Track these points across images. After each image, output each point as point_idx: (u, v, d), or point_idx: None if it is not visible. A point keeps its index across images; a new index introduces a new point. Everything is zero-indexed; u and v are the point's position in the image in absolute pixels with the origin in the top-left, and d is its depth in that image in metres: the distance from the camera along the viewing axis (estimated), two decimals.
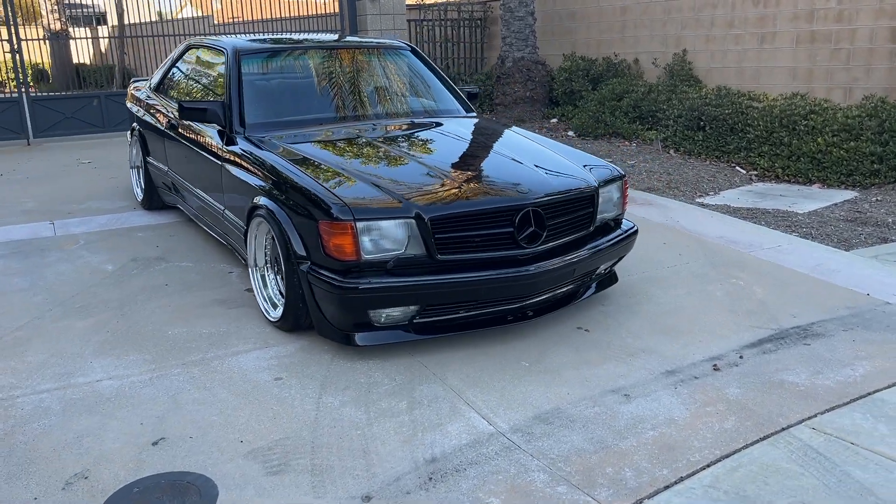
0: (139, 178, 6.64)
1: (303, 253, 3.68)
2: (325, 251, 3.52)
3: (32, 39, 10.56)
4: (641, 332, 4.09)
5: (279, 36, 6.01)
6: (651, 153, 9.29)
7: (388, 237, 3.53)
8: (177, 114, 5.26)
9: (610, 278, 4.48)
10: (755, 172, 8.43)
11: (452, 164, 4.04)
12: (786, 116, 8.48)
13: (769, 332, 4.09)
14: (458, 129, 4.79)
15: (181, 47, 6.07)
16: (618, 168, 4.38)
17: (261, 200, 4.05)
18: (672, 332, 4.09)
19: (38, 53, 13.06)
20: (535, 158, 4.27)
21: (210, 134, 4.82)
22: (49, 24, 16.84)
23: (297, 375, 3.56)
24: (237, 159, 4.35)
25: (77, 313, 4.30)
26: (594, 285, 4.33)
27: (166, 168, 5.78)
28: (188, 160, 5.24)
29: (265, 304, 4.10)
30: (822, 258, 5.29)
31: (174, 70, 6.06)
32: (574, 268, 3.89)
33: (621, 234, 4.23)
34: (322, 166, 3.92)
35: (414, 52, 5.70)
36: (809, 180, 8.01)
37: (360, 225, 3.46)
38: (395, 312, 3.62)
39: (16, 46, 10.08)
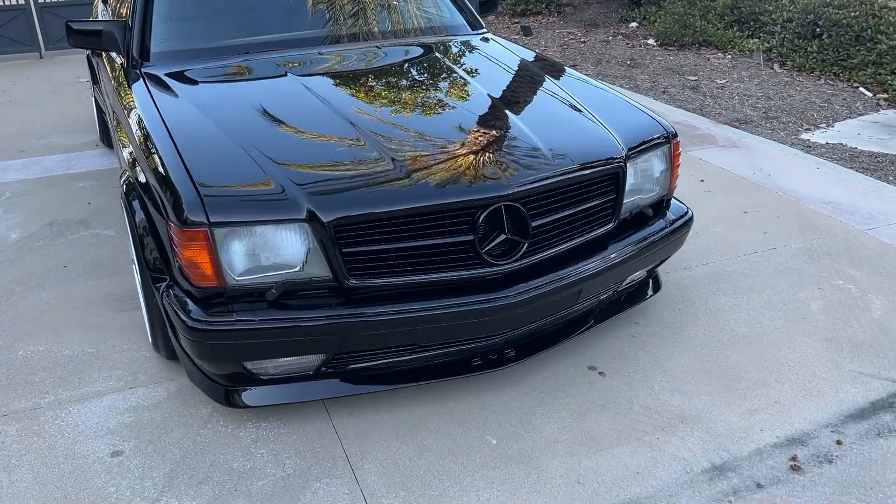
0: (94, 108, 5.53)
1: (160, 264, 2.46)
2: (179, 268, 2.29)
3: None
4: (684, 378, 2.71)
5: None
6: (749, 69, 7.44)
7: (270, 250, 2.25)
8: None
9: (646, 287, 3.06)
10: (885, 96, 6.52)
11: (396, 123, 2.65)
12: None
13: (889, 389, 2.63)
14: (438, 60, 3.36)
15: None
16: (664, 123, 2.88)
17: (125, 176, 2.84)
18: (733, 382, 2.69)
19: None
20: (535, 111, 2.83)
21: (118, 66, 3.58)
22: None
23: (145, 450, 2.41)
24: (127, 106, 3.10)
25: None
26: (619, 302, 2.93)
27: (101, 100, 4.61)
28: (104, 98, 4.05)
29: (146, 316, 2.94)
30: None
31: None
32: (580, 288, 2.51)
33: (664, 229, 2.78)
34: (205, 128, 2.62)
35: None
36: None
37: (219, 231, 2.19)
38: (289, 363, 2.38)
39: None
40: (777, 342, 2.91)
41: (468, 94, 2.92)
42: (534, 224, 2.38)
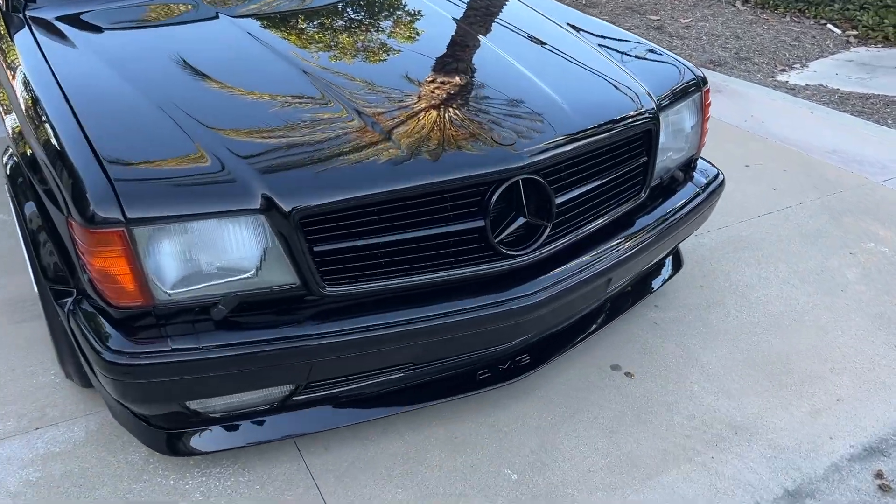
0: None
1: (63, 272, 1.83)
2: (89, 281, 1.68)
3: None
4: (726, 374, 2.26)
5: None
6: (712, 6, 6.99)
7: (213, 252, 1.66)
8: None
9: (668, 266, 2.58)
10: (854, 33, 6.18)
11: (370, 75, 2.05)
12: None
13: None
14: None
15: None
16: (691, 66, 2.37)
17: (8, 153, 2.18)
18: (783, 377, 2.26)
19: None
20: (542, 57, 2.27)
21: None
22: None
23: None
24: (8, 64, 2.39)
25: None
26: (642, 285, 2.45)
27: None
28: None
29: (50, 335, 2.30)
30: None
31: None
32: (610, 276, 2.01)
33: (697, 196, 2.29)
34: (113, 87, 1.97)
35: None
36: None
37: (140, 231, 1.59)
38: (247, 399, 1.82)
39: None
40: (820, 322, 2.49)
41: (457, 37, 2.33)
42: (557, 201, 1.85)
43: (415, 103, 1.90)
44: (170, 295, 1.65)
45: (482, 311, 1.78)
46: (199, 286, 1.67)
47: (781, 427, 2.07)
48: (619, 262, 2.00)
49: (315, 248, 1.66)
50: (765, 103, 4.44)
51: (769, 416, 2.11)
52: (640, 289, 2.43)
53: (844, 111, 4.37)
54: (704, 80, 2.32)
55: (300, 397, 1.88)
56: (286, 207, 1.61)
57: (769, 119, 4.17)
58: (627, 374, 2.27)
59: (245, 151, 1.70)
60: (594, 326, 2.24)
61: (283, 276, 1.69)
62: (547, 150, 1.80)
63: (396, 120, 1.82)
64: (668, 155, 2.22)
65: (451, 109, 1.87)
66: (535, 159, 1.77)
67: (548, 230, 1.84)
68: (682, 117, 2.23)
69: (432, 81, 2.02)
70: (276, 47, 2.16)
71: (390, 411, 1.98)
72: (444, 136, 1.78)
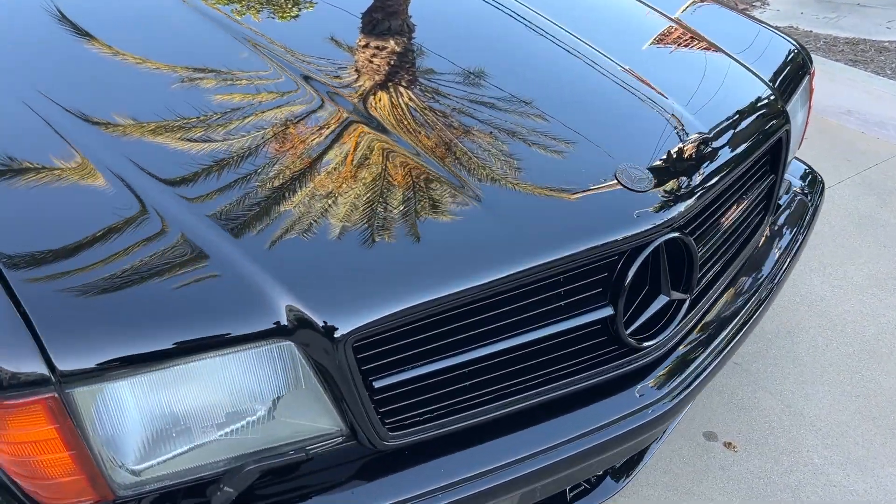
0: None
1: None
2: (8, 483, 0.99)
3: None
4: (845, 434, 1.80)
5: None
6: None
7: (204, 402, 1.00)
8: None
9: None
10: None
11: (396, 81, 1.38)
12: None
13: None
14: None
15: None
16: (795, 42, 1.82)
17: None
18: None
19: None
20: (646, 51, 1.64)
21: None
22: None
23: None
24: None
25: None
26: None
27: None
28: None
29: None
30: None
31: None
32: (738, 343, 1.47)
33: (807, 209, 1.78)
34: None
35: None
36: None
37: (82, 395, 0.91)
38: None
39: None
40: None
41: (532, 25, 1.66)
42: (700, 262, 1.28)
43: (495, 129, 1.26)
44: (137, 475, 1.00)
45: (609, 433, 1.21)
46: (181, 450, 1.02)
47: None
48: (752, 318, 1.46)
49: (376, 384, 1.03)
50: None
51: None
52: None
53: (837, 61, 3.96)
54: (810, 59, 1.78)
55: None
56: (341, 329, 0.97)
57: None
58: (727, 444, 1.77)
59: (239, 226, 1.03)
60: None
61: (317, 419, 1.06)
62: (691, 192, 1.22)
63: (472, 161, 1.18)
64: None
65: (547, 137, 1.24)
66: (678, 209, 1.19)
67: (686, 305, 1.28)
68: (795, 110, 1.69)
69: (513, 95, 1.37)
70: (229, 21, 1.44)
71: None
72: (549, 185, 1.16)
